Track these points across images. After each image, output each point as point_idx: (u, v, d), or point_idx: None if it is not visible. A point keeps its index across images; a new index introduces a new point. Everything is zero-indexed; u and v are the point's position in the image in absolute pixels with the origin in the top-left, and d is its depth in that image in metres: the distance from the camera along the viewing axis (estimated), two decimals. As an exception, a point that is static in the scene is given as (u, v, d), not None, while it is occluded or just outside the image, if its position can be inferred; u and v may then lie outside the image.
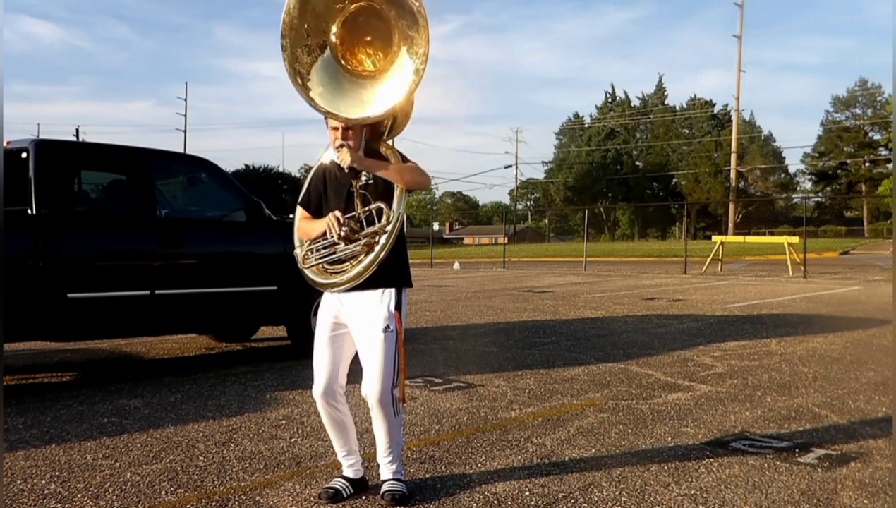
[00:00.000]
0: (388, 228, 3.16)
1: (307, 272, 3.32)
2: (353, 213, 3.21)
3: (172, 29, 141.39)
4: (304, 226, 3.39)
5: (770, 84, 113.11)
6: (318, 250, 3.29)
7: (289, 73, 3.04)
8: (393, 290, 3.26)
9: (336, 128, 3.18)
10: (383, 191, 3.21)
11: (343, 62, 3.13)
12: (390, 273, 3.25)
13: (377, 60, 3.12)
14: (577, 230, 68.66)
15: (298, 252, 3.38)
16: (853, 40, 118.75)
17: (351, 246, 3.19)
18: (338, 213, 3.19)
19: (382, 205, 3.18)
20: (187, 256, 6.22)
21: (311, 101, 3.05)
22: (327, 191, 3.35)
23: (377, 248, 3.15)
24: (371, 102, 3.06)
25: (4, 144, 5.65)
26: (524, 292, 14.77)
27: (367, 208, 3.20)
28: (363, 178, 3.22)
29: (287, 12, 3.01)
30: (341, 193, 3.28)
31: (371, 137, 3.30)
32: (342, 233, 3.17)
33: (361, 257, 3.17)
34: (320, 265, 3.29)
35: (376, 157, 3.25)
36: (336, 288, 3.24)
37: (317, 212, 3.37)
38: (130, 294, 5.83)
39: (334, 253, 3.23)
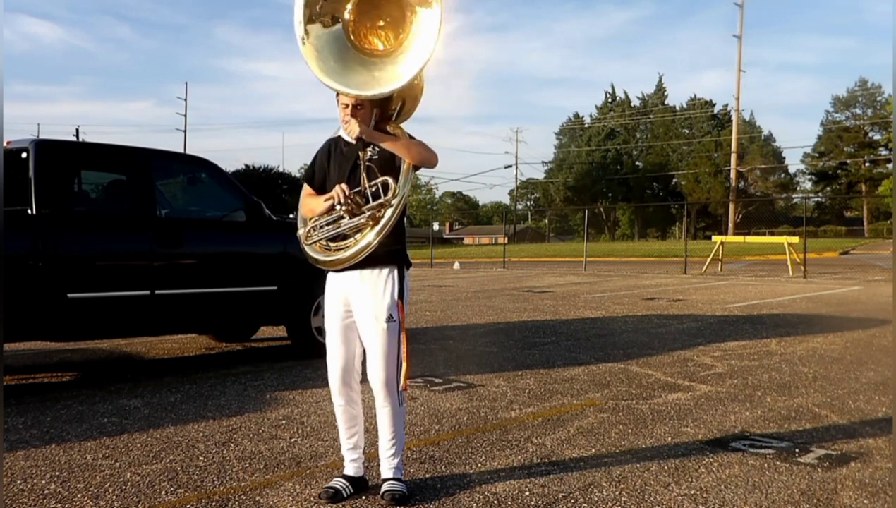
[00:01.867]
0: (394, 202, 3.14)
1: (309, 250, 3.31)
2: (359, 188, 3.20)
3: (173, 29, 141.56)
4: (309, 202, 3.38)
5: (770, 84, 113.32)
6: (322, 226, 3.28)
7: (301, 48, 3.05)
8: (396, 274, 3.26)
9: (346, 106, 3.19)
10: (390, 165, 3.21)
11: (354, 39, 3.14)
12: (392, 253, 3.26)
13: (388, 42, 3.14)
14: (577, 230, 68.68)
15: (302, 232, 3.37)
16: (853, 40, 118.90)
17: (356, 219, 3.18)
18: (344, 186, 3.18)
19: (389, 179, 3.17)
20: (187, 256, 6.22)
21: (320, 78, 3.05)
22: (331, 164, 3.35)
23: (382, 222, 3.14)
24: (382, 79, 3.06)
25: (4, 144, 5.65)
26: (524, 292, 14.77)
27: (373, 182, 3.19)
28: (369, 152, 3.22)
29: None
30: (346, 167, 3.28)
31: (380, 119, 3.30)
32: (348, 205, 3.15)
33: (366, 231, 3.16)
34: (323, 242, 3.28)
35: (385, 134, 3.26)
36: (339, 266, 3.23)
37: (321, 188, 3.37)
38: (130, 294, 5.83)
39: (339, 227, 3.22)
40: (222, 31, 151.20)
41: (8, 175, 5.62)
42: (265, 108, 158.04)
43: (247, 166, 47.23)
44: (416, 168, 3.24)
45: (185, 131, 61.59)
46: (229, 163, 62.23)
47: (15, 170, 5.64)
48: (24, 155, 5.62)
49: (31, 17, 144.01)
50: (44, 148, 5.68)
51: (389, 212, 3.14)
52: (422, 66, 2.99)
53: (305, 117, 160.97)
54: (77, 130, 57.08)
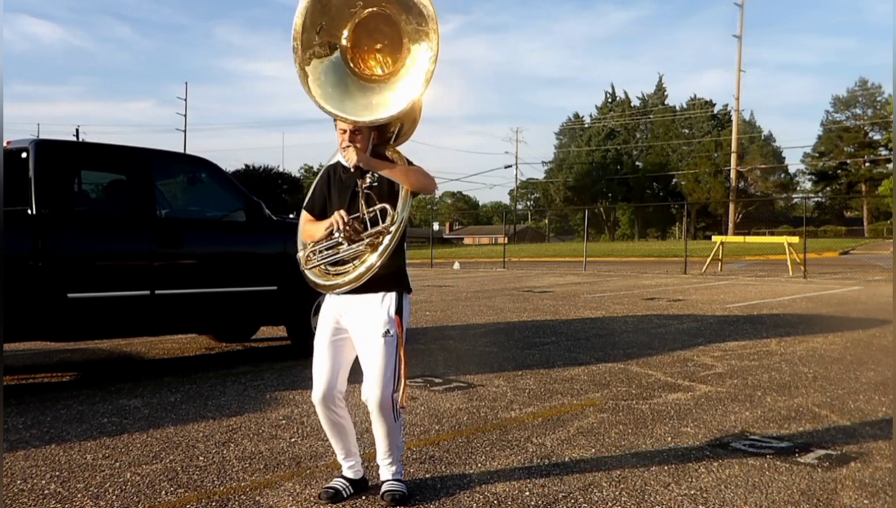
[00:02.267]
0: (392, 229, 3.16)
1: (309, 274, 3.32)
2: (358, 214, 3.21)
3: (173, 29, 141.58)
4: (308, 228, 3.38)
5: (770, 84, 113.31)
6: (321, 251, 3.29)
7: (299, 74, 3.07)
8: (394, 294, 3.26)
9: (344, 131, 3.20)
10: (388, 192, 3.22)
11: (352, 65, 3.16)
12: (391, 277, 3.25)
13: (386, 66, 3.16)
14: (577, 230, 68.68)
15: (301, 254, 3.38)
16: (853, 40, 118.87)
17: (354, 246, 3.19)
18: (343, 212, 3.19)
19: (387, 206, 3.18)
20: (187, 256, 6.22)
21: (319, 104, 3.08)
22: (331, 192, 3.35)
23: (381, 248, 3.15)
24: (380, 105, 3.08)
25: (4, 144, 5.65)
26: (524, 292, 14.77)
27: (371, 209, 3.20)
28: (368, 180, 3.23)
29: (301, 14, 3.04)
30: (346, 194, 3.29)
31: (378, 143, 3.30)
32: (346, 232, 3.16)
33: (365, 257, 3.17)
34: (322, 266, 3.28)
35: (383, 160, 3.26)
36: (338, 290, 3.23)
37: (321, 215, 3.37)
38: (130, 294, 5.83)
39: (338, 253, 3.23)
40: (222, 31, 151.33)
41: (8, 175, 5.62)
42: (265, 108, 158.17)
43: (247, 166, 47.30)
44: (414, 194, 3.25)
45: (185, 131, 61.59)
46: (229, 163, 62.28)
47: (15, 170, 5.64)
48: (24, 155, 5.62)
49: (31, 16, 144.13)
50: (44, 148, 5.68)
51: (388, 239, 3.15)
52: (420, 91, 3.01)
53: (305, 117, 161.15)
54: (77, 130, 57.07)
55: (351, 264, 3.21)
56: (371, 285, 3.20)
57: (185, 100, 72.62)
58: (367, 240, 3.17)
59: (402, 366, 3.21)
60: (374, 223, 3.19)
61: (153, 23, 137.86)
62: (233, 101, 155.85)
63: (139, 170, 6.15)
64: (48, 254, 5.42)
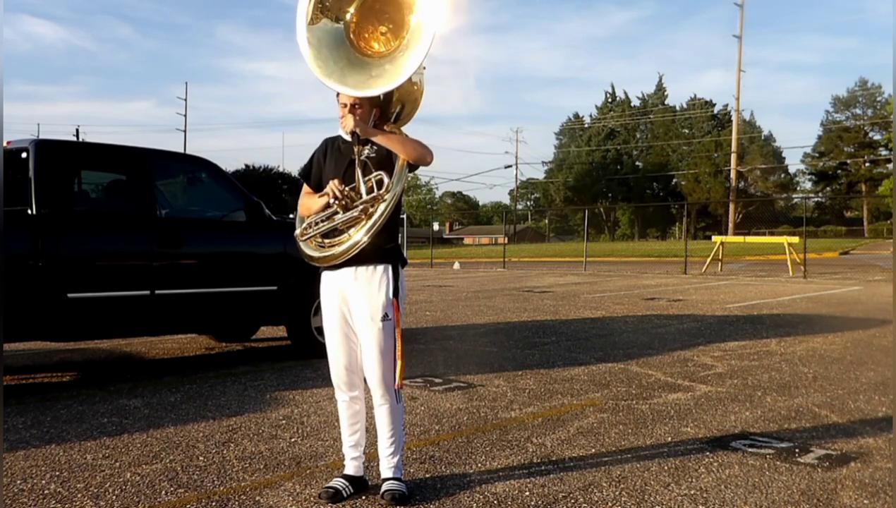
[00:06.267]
0: (387, 197, 3.18)
1: (304, 246, 3.35)
2: (354, 184, 3.24)
3: (174, 29, 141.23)
4: (306, 201, 3.42)
5: (770, 84, 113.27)
6: (317, 223, 3.32)
7: (302, 48, 3.12)
8: (390, 272, 3.28)
9: (345, 105, 3.23)
10: (386, 163, 3.25)
11: (354, 39, 3.20)
12: (386, 251, 3.28)
13: (387, 43, 3.20)
14: (577, 230, 68.67)
15: (298, 230, 3.41)
16: (854, 40, 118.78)
17: (349, 213, 3.21)
18: (337, 181, 3.22)
19: (383, 175, 3.20)
20: (187, 256, 6.21)
21: (320, 77, 3.12)
22: (328, 161, 3.38)
23: (374, 217, 3.17)
24: (378, 80, 3.12)
25: (4, 144, 5.65)
26: (524, 292, 14.77)
27: (367, 178, 3.22)
28: (366, 151, 3.25)
29: None
30: (342, 164, 3.31)
31: (379, 120, 3.33)
32: (342, 200, 3.19)
33: (358, 226, 3.19)
34: (316, 238, 3.31)
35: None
36: (332, 262, 3.25)
37: (318, 186, 3.40)
38: (130, 294, 5.83)
39: (333, 222, 3.25)
40: (223, 31, 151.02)
41: (8, 175, 5.62)
42: (265, 108, 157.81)
43: (247, 166, 47.13)
44: (411, 167, 3.29)
45: (185, 131, 61.58)
46: (229, 163, 62.26)
47: (15, 170, 5.64)
48: (24, 155, 5.62)
49: (32, 16, 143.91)
50: (44, 148, 5.68)
51: (382, 207, 3.17)
52: (417, 65, 3.04)
53: (305, 117, 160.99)
54: (77, 130, 57.02)
55: (345, 234, 3.23)
56: (365, 258, 3.23)
57: (186, 100, 72.41)
58: (362, 207, 3.19)
59: (399, 347, 3.24)
60: (370, 193, 3.21)
61: (154, 23, 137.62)
62: (233, 101, 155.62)
63: (139, 170, 6.15)
64: (48, 254, 5.42)
